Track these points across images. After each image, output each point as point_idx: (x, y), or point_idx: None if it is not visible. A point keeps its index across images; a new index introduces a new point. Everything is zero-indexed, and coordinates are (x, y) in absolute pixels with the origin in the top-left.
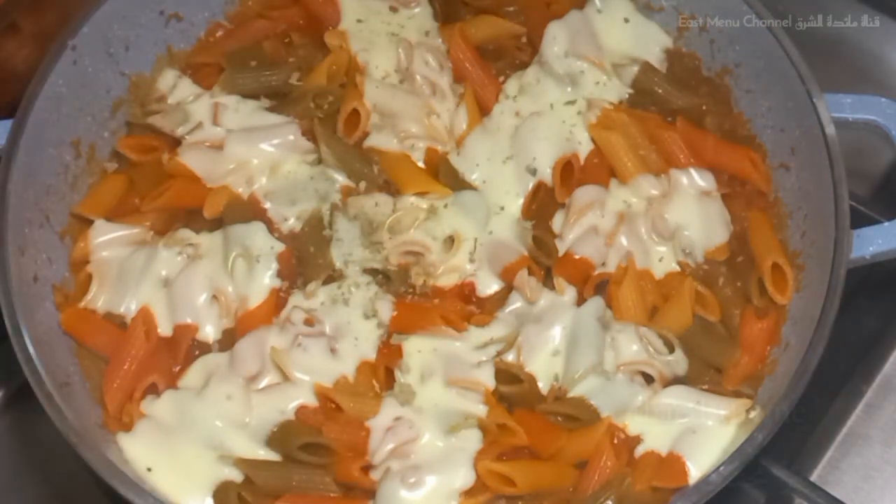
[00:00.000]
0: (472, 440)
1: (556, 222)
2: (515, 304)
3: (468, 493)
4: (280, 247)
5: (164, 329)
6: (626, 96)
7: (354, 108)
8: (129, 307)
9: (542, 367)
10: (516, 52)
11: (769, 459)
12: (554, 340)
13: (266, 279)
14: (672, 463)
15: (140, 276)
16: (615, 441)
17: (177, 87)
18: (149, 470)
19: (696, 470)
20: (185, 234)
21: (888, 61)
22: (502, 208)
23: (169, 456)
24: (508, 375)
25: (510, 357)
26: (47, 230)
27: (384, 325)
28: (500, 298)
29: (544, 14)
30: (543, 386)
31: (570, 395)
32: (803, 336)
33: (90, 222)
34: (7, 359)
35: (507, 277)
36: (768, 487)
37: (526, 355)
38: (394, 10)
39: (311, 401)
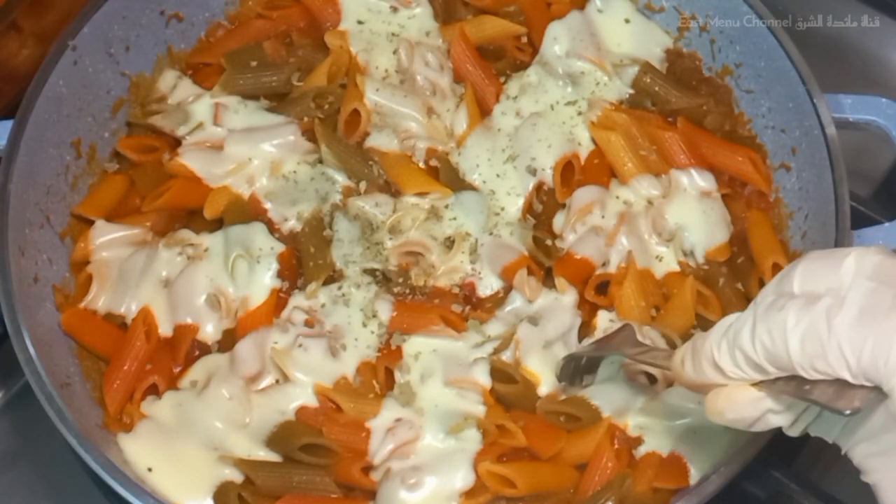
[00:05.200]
0: (472, 441)
1: (557, 222)
2: (515, 303)
3: (468, 494)
4: (280, 247)
5: (165, 329)
6: (627, 96)
7: (355, 108)
8: (129, 307)
9: (540, 365)
10: (517, 53)
11: (769, 460)
12: (551, 339)
13: (266, 279)
14: (673, 463)
15: (140, 276)
16: (616, 442)
17: (177, 88)
18: (149, 470)
19: (696, 471)
20: (186, 234)
21: (888, 61)
22: (503, 208)
23: (169, 456)
24: (504, 375)
25: (507, 356)
26: (48, 231)
27: (384, 325)
28: (501, 298)
29: (545, 14)
30: (545, 388)
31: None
32: None
33: (91, 223)
34: (7, 359)
35: (507, 277)
36: (768, 488)
37: (523, 353)
38: (394, 10)
39: (311, 401)
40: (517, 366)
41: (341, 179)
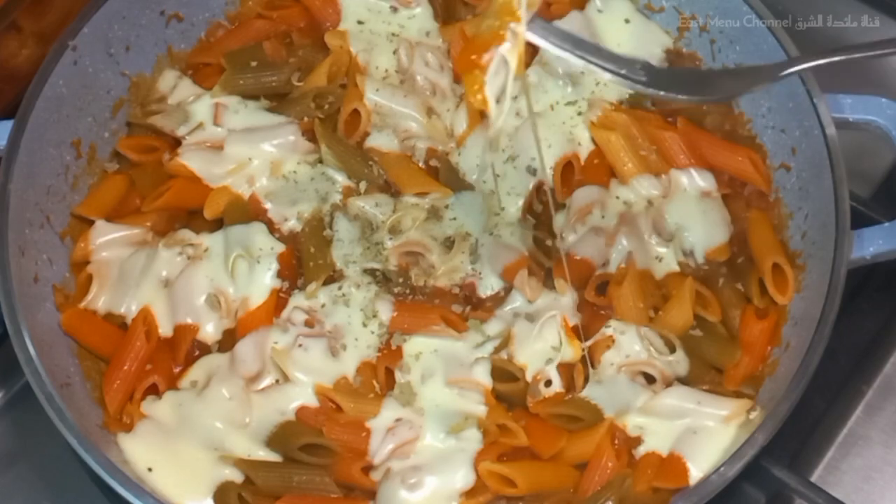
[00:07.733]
0: (472, 441)
1: (557, 223)
2: (515, 302)
3: (469, 493)
4: (280, 247)
5: (165, 329)
6: (627, 96)
7: (355, 108)
8: (129, 308)
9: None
10: None
11: (769, 460)
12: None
13: (266, 279)
14: (673, 463)
15: (140, 276)
16: (616, 442)
17: (177, 88)
18: (149, 470)
19: (696, 470)
20: (186, 234)
21: (888, 61)
22: (503, 208)
23: (169, 456)
24: (505, 373)
25: (505, 355)
26: (48, 231)
27: (385, 325)
28: (501, 298)
29: (545, 15)
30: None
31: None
32: (804, 336)
33: (91, 223)
34: (7, 359)
35: (508, 277)
36: (768, 488)
37: (516, 348)
38: (394, 10)
39: (311, 401)
40: (519, 367)
41: (341, 179)
